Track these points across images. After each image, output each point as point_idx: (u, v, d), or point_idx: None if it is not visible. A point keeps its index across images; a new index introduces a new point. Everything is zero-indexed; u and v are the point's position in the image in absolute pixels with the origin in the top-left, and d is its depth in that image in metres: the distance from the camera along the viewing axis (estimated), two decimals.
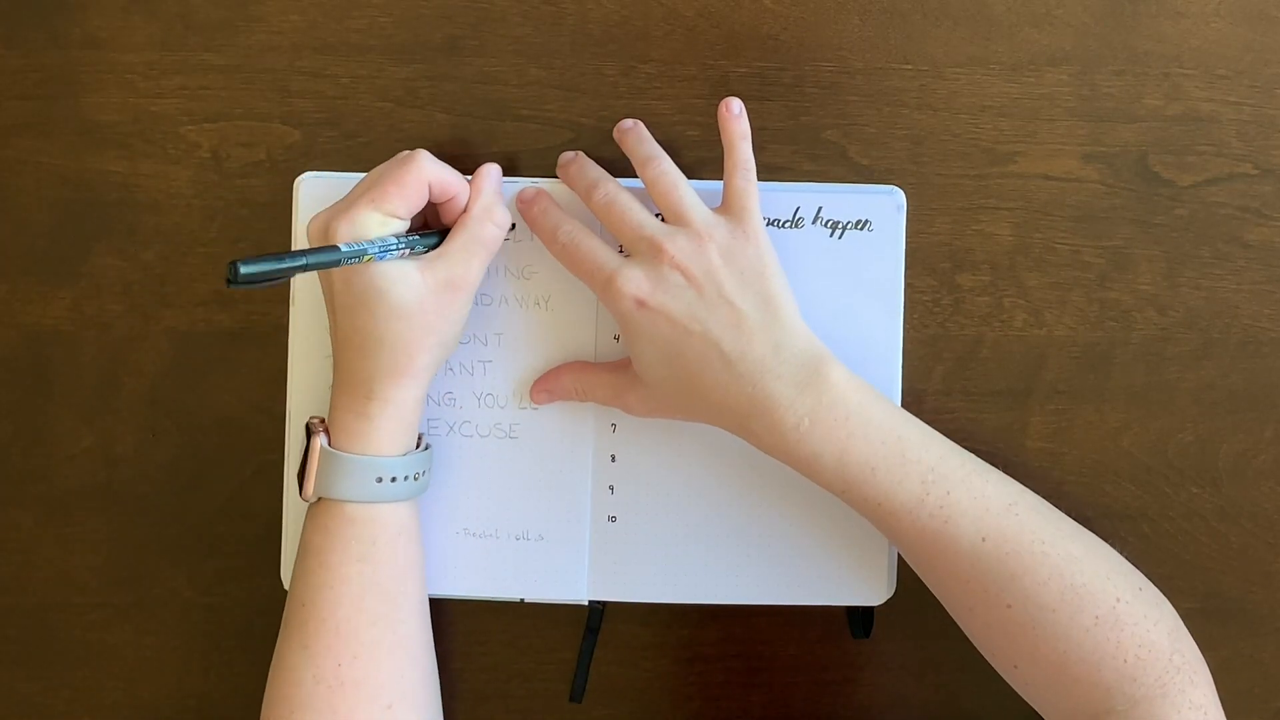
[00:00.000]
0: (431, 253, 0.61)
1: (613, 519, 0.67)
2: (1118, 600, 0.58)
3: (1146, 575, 0.60)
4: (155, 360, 0.68)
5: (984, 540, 0.58)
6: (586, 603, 0.67)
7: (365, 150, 0.68)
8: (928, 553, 0.60)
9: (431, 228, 0.64)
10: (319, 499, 0.61)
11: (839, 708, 0.66)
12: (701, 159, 0.68)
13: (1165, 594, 0.60)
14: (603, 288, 0.61)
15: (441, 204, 0.62)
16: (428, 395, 0.66)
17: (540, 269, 0.66)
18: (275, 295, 0.67)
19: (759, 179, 0.65)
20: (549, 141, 0.68)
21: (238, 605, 0.68)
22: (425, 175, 0.60)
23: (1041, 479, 0.68)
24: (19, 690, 0.69)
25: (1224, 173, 0.68)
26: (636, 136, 0.64)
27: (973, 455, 0.61)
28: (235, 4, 0.67)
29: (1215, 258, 0.68)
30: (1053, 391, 0.68)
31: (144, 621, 0.69)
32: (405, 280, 0.59)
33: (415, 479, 0.62)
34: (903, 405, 0.66)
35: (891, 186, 0.67)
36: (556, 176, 0.66)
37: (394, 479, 0.61)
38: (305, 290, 0.66)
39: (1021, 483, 0.60)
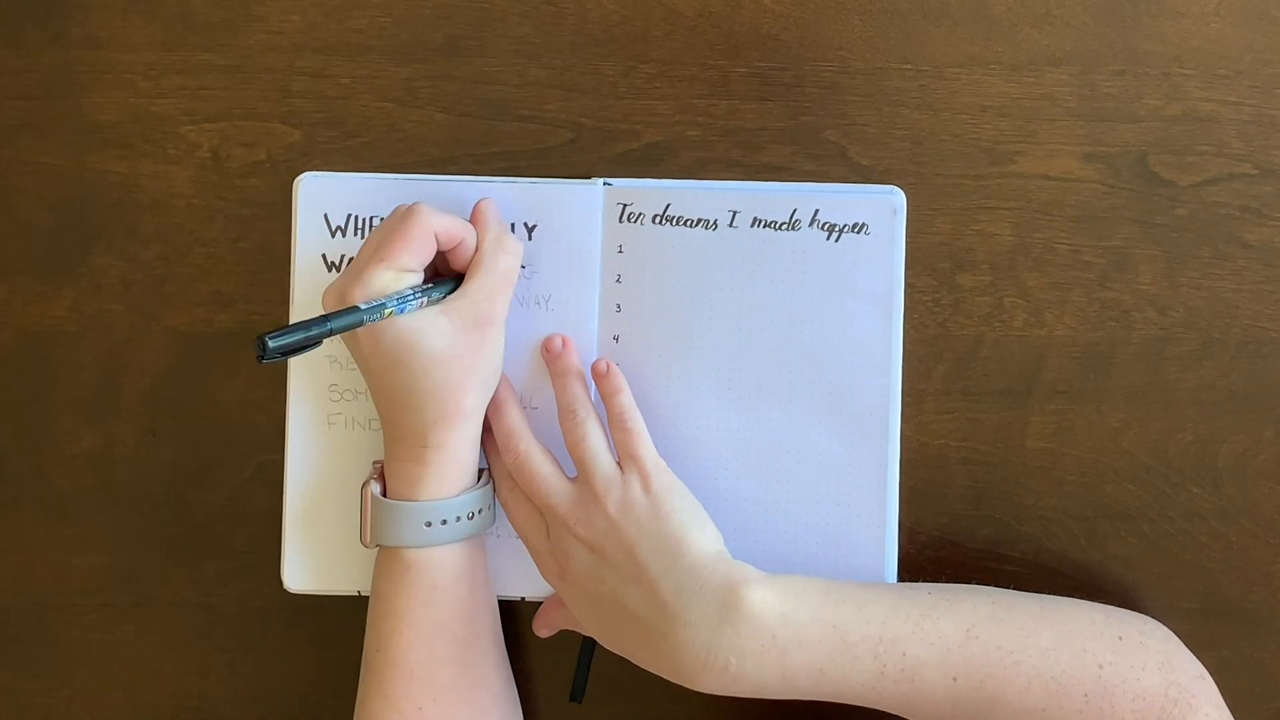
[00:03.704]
0: (452, 295, 0.61)
1: None
2: (1100, 668, 0.58)
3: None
4: (155, 360, 0.68)
5: (955, 680, 0.58)
6: None
7: (365, 150, 0.68)
8: (905, 709, 0.59)
9: (441, 277, 0.63)
10: (379, 545, 0.62)
11: (839, 708, 0.65)
12: (701, 159, 0.68)
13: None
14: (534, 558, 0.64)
15: (449, 250, 0.62)
16: None
17: (540, 268, 0.66)
18: (275, 295, 0.67)
19: (759, 178, 0.64)
20: (549, 141, 0.68)
21: (238, 605, 0.68)
22: (430, 226, 0.60)
23: (1041, 479, 0.68)
24: (19, 690, 0.69)
25: (1224, 173, 0.68)
26: (571, 379, 0.65)
27: (914, 586, 0.61)
28: (235, 4, 0.67)
29: (1215, 258, 0.68)
30: (1053, 391, 0.68)
31: (144, 621, 0.69)
32: (434, 328, 0.59)
33: (471, 518, 0.62)
34: (902, 405, 0.66)
35: (891, 187, 0.66)
36: (552, 175, 0.66)
37: (444, 521, 0.61)
38: (305, 290, 0.66)
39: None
